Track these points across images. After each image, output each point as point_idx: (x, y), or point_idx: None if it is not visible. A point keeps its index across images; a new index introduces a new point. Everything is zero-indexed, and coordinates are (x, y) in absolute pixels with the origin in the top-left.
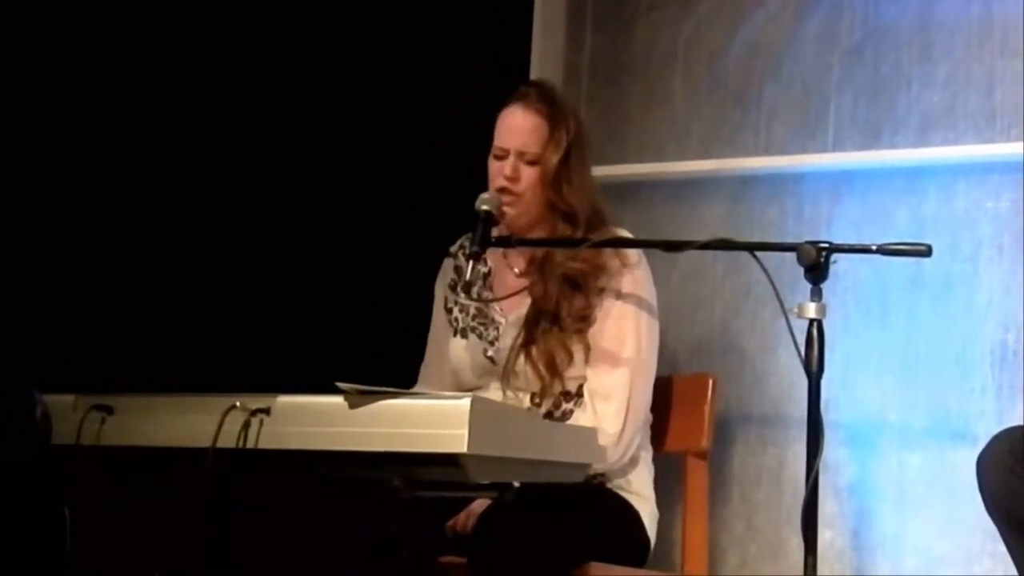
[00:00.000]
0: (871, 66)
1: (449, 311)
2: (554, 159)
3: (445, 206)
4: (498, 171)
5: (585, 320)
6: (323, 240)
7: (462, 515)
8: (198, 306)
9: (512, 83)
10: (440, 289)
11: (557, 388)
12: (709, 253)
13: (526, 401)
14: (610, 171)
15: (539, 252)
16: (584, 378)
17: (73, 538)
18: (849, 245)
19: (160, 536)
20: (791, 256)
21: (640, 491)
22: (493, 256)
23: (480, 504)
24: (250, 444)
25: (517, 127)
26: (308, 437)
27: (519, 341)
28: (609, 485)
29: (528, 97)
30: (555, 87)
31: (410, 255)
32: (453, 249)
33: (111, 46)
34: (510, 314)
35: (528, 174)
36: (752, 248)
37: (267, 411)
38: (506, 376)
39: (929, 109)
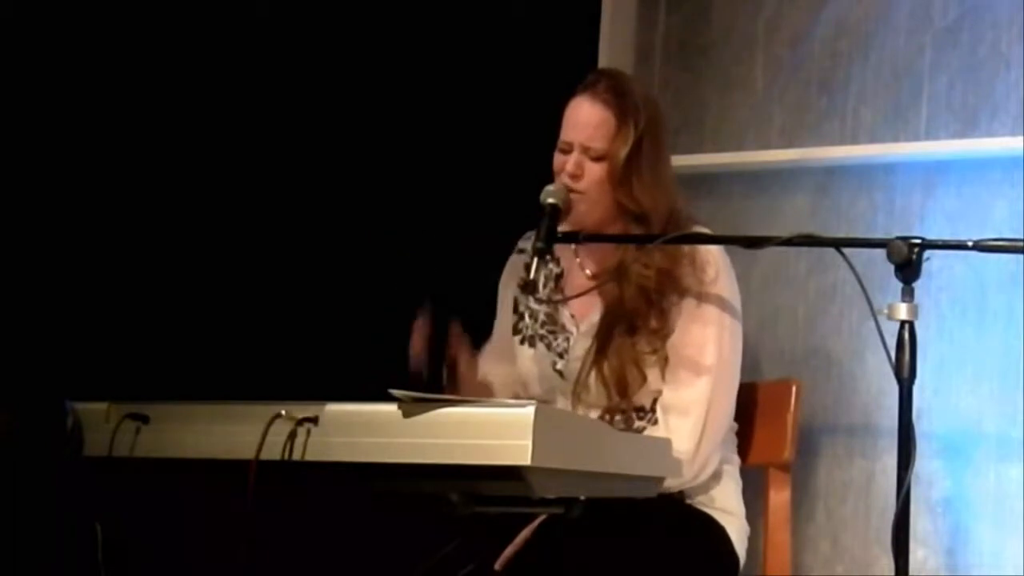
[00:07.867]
0: (967, 47)
1: (520, 315)
2: (621, 155)
3: (509, 203)
4: (561, 166)
5: (661, 337)
6: (376, 241)
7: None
8: (241, 307)
9: (579, 67)
10: (507, 288)
11: (627, 404)
12: (792, 250)
13: (595, 417)
14: (685, 161)
15: (611, 260)
16: (659, 392)
17: (105, 556)
18: (943, 241)
19: (198, 554)
20: (880, 253)
21: (726, 506)
22: (566, 256)
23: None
24: (296, 456)
25: (582, 120)
26: (359, 448)
27: (591, 354)
28: (689, 501)
29: (596, 87)
30: (628, 76)
31: (468, 256)
32: (522, 244)
33: (121, 46)
34: (582, 322)
35: (593, 171)
36: (839, 244)
37: (315, 420)
38: (576, 392)
39: None
